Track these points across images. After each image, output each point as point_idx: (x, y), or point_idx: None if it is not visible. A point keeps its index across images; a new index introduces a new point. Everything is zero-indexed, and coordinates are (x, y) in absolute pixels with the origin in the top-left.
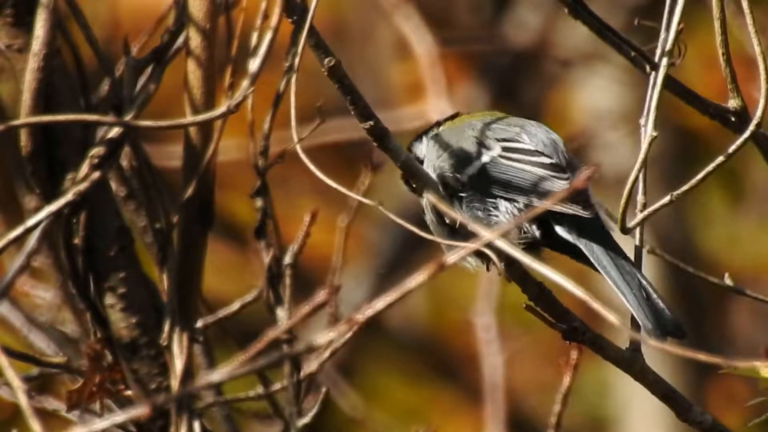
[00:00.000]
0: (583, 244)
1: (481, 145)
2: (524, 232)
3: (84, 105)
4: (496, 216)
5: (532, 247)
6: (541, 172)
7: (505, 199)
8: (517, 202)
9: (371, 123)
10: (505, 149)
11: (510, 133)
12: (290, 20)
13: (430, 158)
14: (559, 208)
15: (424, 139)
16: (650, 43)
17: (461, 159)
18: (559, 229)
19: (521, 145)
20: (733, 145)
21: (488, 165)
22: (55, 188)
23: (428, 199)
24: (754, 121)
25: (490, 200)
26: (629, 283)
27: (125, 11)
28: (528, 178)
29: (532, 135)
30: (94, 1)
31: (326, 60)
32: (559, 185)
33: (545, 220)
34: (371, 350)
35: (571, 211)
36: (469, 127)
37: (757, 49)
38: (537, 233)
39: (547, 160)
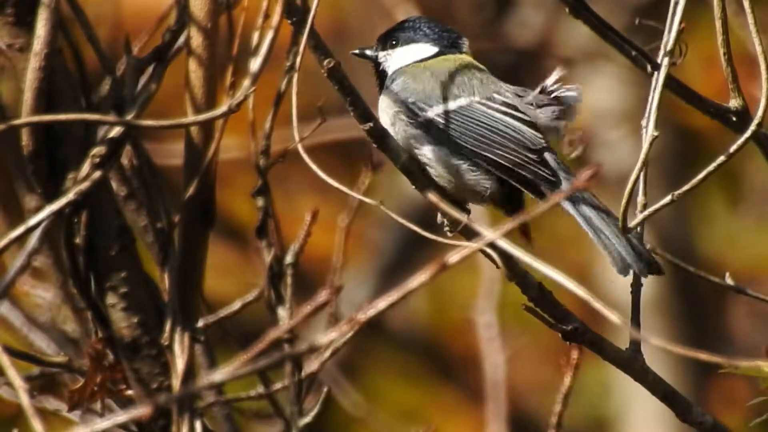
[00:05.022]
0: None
1: (459, 88)
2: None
3: (85, 104)
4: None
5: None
6: (521, 126)
7: (473, 152)
8: (484, 157)
9: (371, 124)
10: (485, 98)
11: (491, 88)
12: (290, 21)
13: (399, 91)
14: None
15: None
16: (651, 43)
17: (430, 96)
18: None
19: (503, 99)
20: (734, 144)
21: (463, 108)
22: (56, 188)
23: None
24: (755, 121)
25: (457, 156)
26: (606, 227)
27: (127, 10)
28: (504, 132)
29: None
30: (95, 1)
31: (326, 61)
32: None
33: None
34: (372, 350)
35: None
36: (447, 71)
37: (759, 49)
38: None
39: (526, 118)
